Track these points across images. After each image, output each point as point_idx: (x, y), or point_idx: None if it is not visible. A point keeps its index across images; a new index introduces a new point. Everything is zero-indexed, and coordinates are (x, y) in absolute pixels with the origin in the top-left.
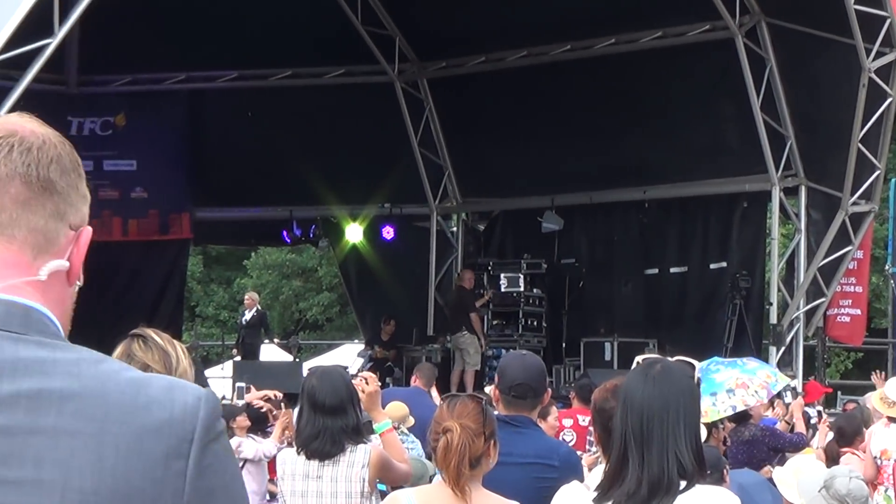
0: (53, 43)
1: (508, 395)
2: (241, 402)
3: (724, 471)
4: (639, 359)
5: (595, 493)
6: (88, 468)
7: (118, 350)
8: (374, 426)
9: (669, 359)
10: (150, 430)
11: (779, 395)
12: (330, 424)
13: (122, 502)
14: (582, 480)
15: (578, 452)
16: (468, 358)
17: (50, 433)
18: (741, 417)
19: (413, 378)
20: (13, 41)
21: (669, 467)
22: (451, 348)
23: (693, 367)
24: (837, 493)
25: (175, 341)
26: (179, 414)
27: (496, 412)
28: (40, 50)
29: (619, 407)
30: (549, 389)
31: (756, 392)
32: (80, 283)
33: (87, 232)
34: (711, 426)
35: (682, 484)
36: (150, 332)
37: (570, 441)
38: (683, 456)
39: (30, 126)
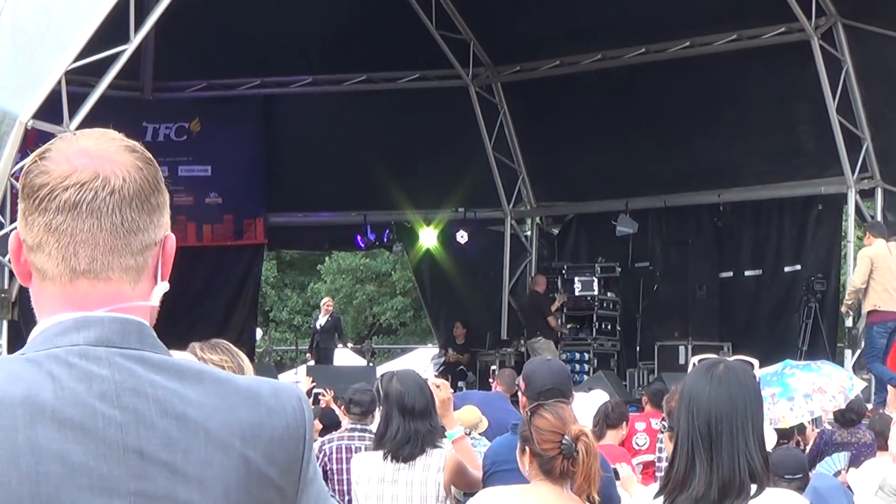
0: (129, 49)
1: (538, 402)
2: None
3: (810, 474)
4: (695, 360)
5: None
6: (241, 482)
7: None
8: (447, 433)
9: (729, 358)
10: (276, 439)
11: None
12: (420, 428)
13: None
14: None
15: (651, 456)
16: None
17: (203, 452)
18: (848, 421)
19: (494, 383)
20: (89, 48)
21: (741, 470)
22: (525, 352)
23: (752, 366)
24: (892, 488)
25: (231, 347)
26: (293, 419)
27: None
28: (116, 56)
29: (682, 409)
30: (574, 394)
31: (834, 397)
32: (166, 285)
33: (171, 241)
34: (798, 430)
35: (753, 488)
36: (207, 352)
37: (644, 445)
38: (753, 458)
39: (109, 158)
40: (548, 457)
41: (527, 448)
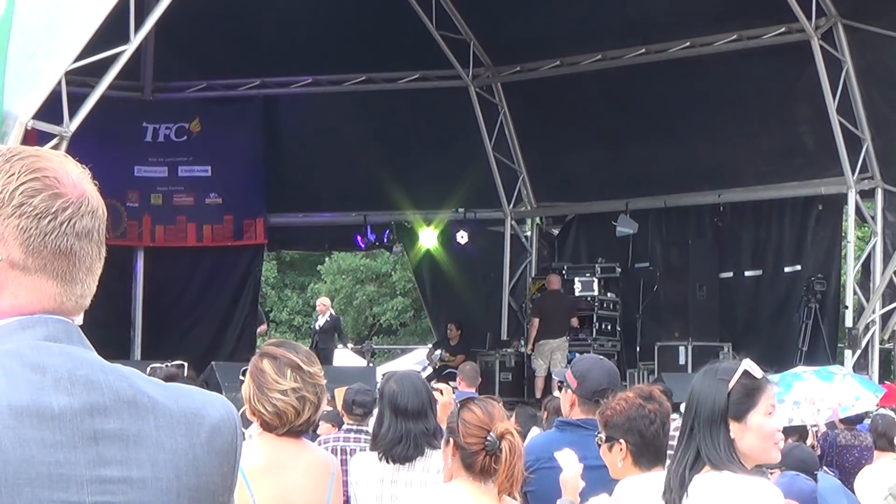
0: (129, 50)
1: (591, 401)
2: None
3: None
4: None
5: None
6: (191, 467)
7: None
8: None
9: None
10: (216, 429)
11: None
12: (413, 428)
13: (210, 496)
14: None
15: None
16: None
17: (154, 437)
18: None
19: (458, 380)
20: (89, 48)
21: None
22: (525, 354)
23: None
24: None
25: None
26: (226, 413)
27: (567, 416)
28: (116, 57)
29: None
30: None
31: (819, 411)
32: None
33: None
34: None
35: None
36: (308, 364)
37: None
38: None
39: (91, 188)
40: (470, 451)
41: (451, 440)
